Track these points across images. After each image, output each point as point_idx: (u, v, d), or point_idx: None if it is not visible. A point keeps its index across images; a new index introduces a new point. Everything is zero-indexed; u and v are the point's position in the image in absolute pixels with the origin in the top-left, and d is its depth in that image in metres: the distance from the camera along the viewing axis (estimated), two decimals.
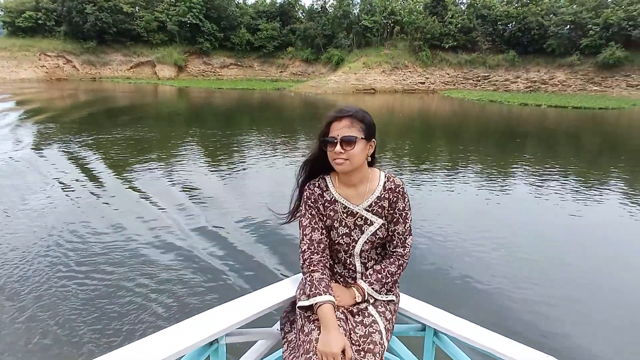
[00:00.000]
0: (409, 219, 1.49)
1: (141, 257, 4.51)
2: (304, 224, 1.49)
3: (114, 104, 21.58)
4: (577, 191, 7.45)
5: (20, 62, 37.97)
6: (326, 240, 1.49)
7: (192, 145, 10.93)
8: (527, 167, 9.28)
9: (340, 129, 1.37)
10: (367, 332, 1.37)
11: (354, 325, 1.40)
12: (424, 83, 37.27)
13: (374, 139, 1.45)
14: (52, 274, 4.02)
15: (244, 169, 8.60)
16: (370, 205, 1.46)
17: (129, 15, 42.24)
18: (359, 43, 40.37)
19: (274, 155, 9.85)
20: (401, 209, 1.47)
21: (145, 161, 8.84)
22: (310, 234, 1.46)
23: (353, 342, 1.35)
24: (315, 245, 1.45)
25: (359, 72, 35.86)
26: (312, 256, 1.44)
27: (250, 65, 46.14)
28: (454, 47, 38.58)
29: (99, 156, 9.12)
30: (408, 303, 1.61)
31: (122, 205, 6.16)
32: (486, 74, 37.90)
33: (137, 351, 1.19)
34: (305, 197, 1.51)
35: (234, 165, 8.86)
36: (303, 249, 1.47)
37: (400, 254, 1.49)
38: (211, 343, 1.35)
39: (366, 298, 1.46)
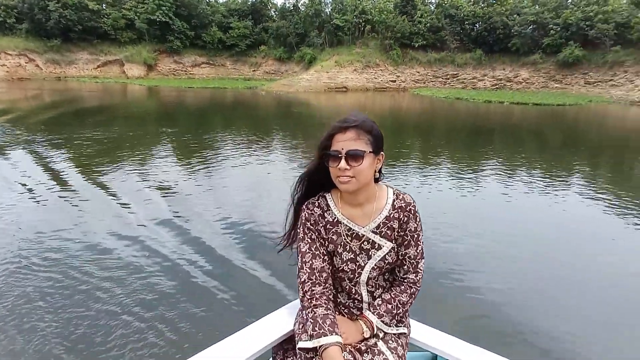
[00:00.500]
0: (421, 240, 1.35)
1: (106, 257, 4.29)
2: (303, 249, 1.32)
3: (82, 105, 21.01)
4: (531, 182, 7.86)
5: None
6: (329, 268, 1.32)
7: (165, 145, 10.74)
8: (485, 161, 9.73)
9: (345, 142, 1.20)
10: None
11: None
12: (395, 81, 37.92)
13: (382, 152, 1.29)
14: (16, 282, 3.77)
15: (217, 168, 8.47)
16: (378, 227, 1.31)
17: (95, 13, 41.04)
18: (331, 42, 40.66)
19: (248, 154, 9.81)
20: (413, 230, 1.32)
21: (117, 162, 8.56)
22: (310, 262, 1.29)
23: None
24: (317, 275, 1.28)
25: (331, 70, 36.15)
26: (313, 288, 1.26)
27: (222, 64, 45.75)
28: (424, 46, 39.40)
29: (68, 158, 8.78)
30: (418, 331, 1.46)
31: (91, 208, 5.88)
32: (455, 72, 38.89)
33: None
34: (303, 218, 1.33)
35: (206, 165, 8.72)
36: (303, 279, 1.29)
37: (412, 280, 1.35)
38: None
39: (375, 332, 1.30)
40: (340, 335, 1.20)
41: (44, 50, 40.20)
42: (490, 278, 4.16)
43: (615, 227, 5.73)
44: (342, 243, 1.31)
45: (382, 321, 1.30)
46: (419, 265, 1.35)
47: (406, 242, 1.32)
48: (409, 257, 1.34)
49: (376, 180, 1.33)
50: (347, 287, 1.36)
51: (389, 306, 1.31)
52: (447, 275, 4.15)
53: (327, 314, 1.22)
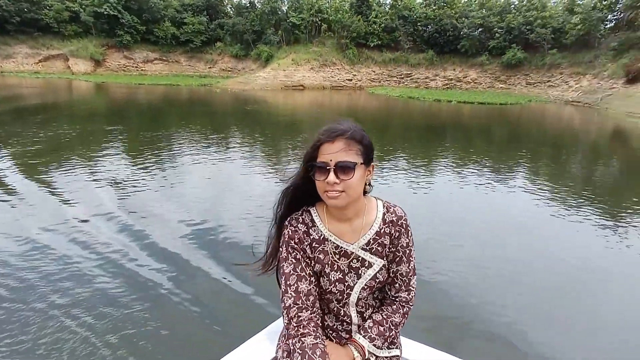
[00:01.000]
0: (413, 256, 1.27)
1: (60, 268, 3.99)
2: (287, 271, 1.19)
3: (22, 102, 19.60)
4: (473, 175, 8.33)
5: None
6: (316, 291, 1.21)
7: (116, 145, 10.18)
8: (435, 157, 10.19)
9: (334, 153, 1.09)
10: None
11: None
12: (351, 80, 38.57)
13: (373, 163, 1.19)
14: None
15: (173, 167, 8.16)
16: (368, 243, 1.21)
17: (35, 4, 38.53)
18: (288, 40, 40.65)
19: (203, 152, 9.55)
20: (405, 245, 1.24)
21: (66, 163, 8.01)
22: (295, 285, 1.17)
23: None
24: (304, 299, 1.16)
25: (287, 68, 36.18)
26: (300, 314, 1.15)
27: (176, 60, 44.47)
28: (379, 45, 40.36)
29: (8, 158, 8.17)
30: (409, 349, 1.39)
31: (33, 208, 5.52)
32: (409, 72, 40.14)
33: None
34: (286, 236, 1.21)
35: (161, 163, 8.35)
36: (287, 304, 1.16)
37: (404, 299, 1.26)
38: None
39: (367, 357, 1.21)
40: None
41: None
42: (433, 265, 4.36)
43: (545, 216, 6.23)
44: (330, 262, 1.20)
45: (374, 345, 1.22)
46: (411, 283, 1.27)
47: (398, 259, 1.24)
48: (401, 275, 1.25)
49: (364, 193, 1.23)
50: (335, 309, 1.26)
51: (381, 328, 1.22)
52: None
53: (317, 342, 1.12)
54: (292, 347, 1.15)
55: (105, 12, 39.19)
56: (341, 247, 1.20)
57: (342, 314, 1.25)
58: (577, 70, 31.84)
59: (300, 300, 1.16)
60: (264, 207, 5.67)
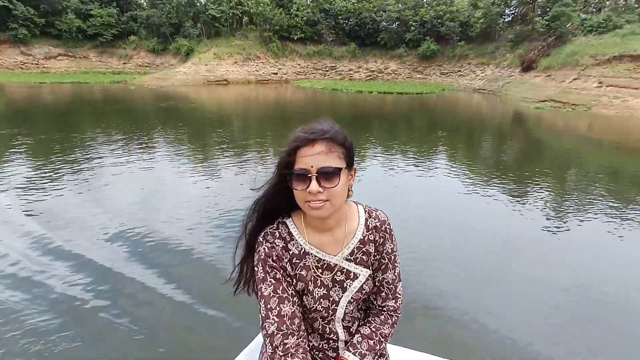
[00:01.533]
0: (398, 261, 1.19)
1: None
2: (266, 293, 1.05)
3: None
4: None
5: None
6: (300, 311, 1.08)
7: (20, 150, 8.96)
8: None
9: (315, 157, 0.97)
10: None
11: None
12: (276, 73, 38.36)
13: (354, 166, 1.09)
14: None
15: (91, 170, 7.43)
16: (352, 253, 1.12)
17: None
18: (208, 33, 39.19)
19: (122, 154, 8.78)
20: (390, 251, 1.16)
21: None
22: (277, 308, 1.03)
23: None
24: (288, 323, 1.03)
25: (209, 63, 34.93)
26: (286, 340, 1.01)
27: (84, 55, 40.70)
28: (302, 38, 40.58)
29: None
30: (396, 356, 1.32)
31: None
32: (333, 65, 40.94)
33: None
34: (262, 254, 1.07)
35: (77, 168, 7.55)
36: (270, 331, 1.02)
37: (392, 308, 1.18)
38: None
39: None
40: None
41: None
42: None
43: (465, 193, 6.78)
44: (312, 278, 1.10)
45: None
46: (398, 290, 1.19)
47: (383, 266, 1.16)
48: (387, 282, 1.17)
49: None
50: (320, 327, 1.15)
51: (371, 342, 1.13)
52: None
53: None
54: None
55: None
56: (323, 260, 1.10)
57: (327, 331, 1.15)
58: (482, 61, 34.82)
59: (284, 325, 1.02)
60: (199, 211, 5.50)
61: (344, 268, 1.11)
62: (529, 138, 13.41)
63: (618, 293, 3.68)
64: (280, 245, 1.08)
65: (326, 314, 1.12)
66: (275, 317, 1.02)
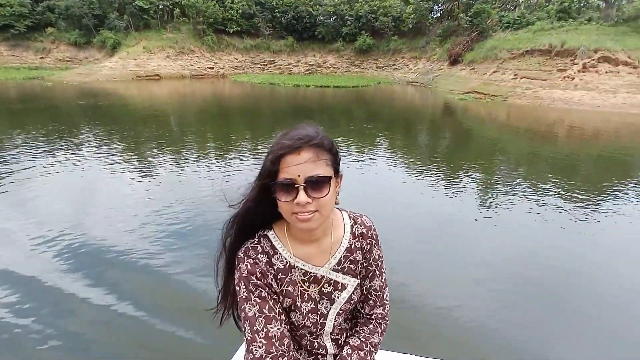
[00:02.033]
0: (384, 267, 1.16)
1: None
2: (250, 314, 0.96)
3: None
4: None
5: None
6: (288, 330, 1.01)
7: None
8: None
9: (301, 166, 0.89)
10: None
11: None
12: (213, 68, 37.17)
13: (341, 172, 1.02)
14: None
15: (11, 175, 6.79)
16: (339, 263, 1.06)
17: None
18: (137, 26, 36.95)
19: (46, 156, 8.04)
20: (376, 257, 1.12)
21: None
22: (264, 329, 0.95)
23: None
24: (277, 345, 0.95)
25: (139, 57, 32.99)
26: None
27: None
28: (239, 32, 39.62)
29: None
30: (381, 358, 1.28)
31: None
32: (272, 59, 40.49)
33: None
34: (244, 271, 0.98)
35: None
36: (258, 355, 0.93)
37: (380, 316, 1.14)
38: None
39: None
40: None
41: None
42: None
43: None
44: (299, 293, 1.03)
45: None
46: (385, 296, 1.16)
47: (371, 274, 1.12)
48: (375, 290, 1.13)
49: None
50: (308, 343, 1.10)
51: (361, 353, 1.09)
52: None
53: None
54: None
55: None
56: (310, 273, 1.04)
57: (315, 346, 1.10)
58: (415, 55, 36.29)
59: (273, 347, 0.94)
60: (136, 215, 5.25)
61: (331, 279, 1.07)
62: (457, 128, 14.34)
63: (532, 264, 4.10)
64: (264, 261, 1.00)
65: (314, 329, 1.07)
66: (262, 340, 0.94)
